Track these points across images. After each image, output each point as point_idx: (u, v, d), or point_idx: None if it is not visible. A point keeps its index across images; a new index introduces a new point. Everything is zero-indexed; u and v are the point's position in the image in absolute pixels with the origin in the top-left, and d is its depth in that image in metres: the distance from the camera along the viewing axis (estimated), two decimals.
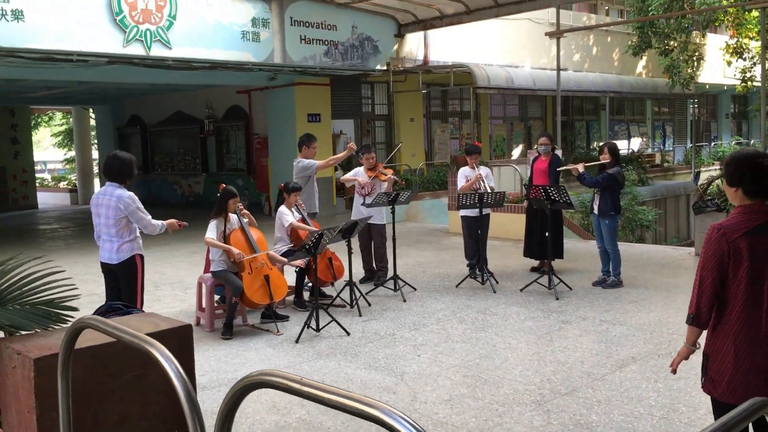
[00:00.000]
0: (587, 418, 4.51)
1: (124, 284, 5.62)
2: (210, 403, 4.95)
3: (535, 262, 9.16)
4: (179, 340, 2.74)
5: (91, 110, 23.34)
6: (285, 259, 7.01)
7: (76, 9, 10.28)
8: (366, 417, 1.48)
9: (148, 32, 11.00)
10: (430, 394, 5.06)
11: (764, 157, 3.05)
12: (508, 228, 11.26)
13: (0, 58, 9.96)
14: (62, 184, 26.58)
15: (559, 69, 12.79)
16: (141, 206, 5.71)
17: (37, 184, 22.83)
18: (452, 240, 12.04)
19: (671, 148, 24.62)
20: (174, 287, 8.94)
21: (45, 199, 23.86)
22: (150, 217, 5.79)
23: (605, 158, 8.07)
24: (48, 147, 37.72)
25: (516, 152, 19.81)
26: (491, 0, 12.62)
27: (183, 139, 18.95)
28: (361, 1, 13.36)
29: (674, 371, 3.27)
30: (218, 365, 5.81)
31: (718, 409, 3.16)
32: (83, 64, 10.97)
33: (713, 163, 22.07)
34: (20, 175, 21.19)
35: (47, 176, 30.81)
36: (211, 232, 6.65)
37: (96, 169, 24.23)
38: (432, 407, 4.82)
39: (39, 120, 30.42)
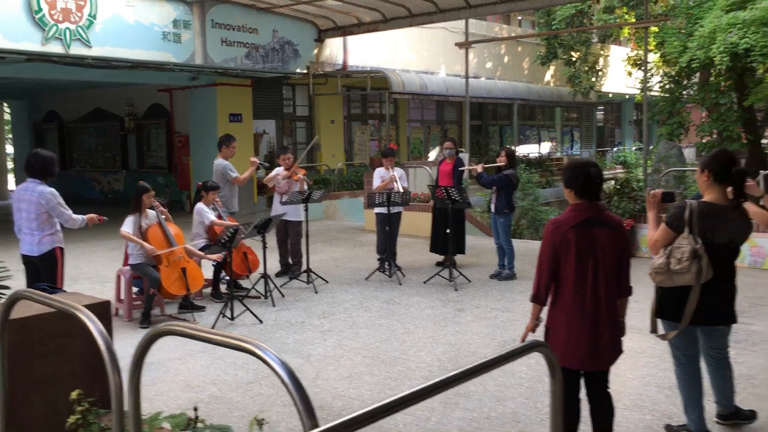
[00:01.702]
0: (466, 389, 5.18)
1: (44, 276, 5.94)
2: (126, 384, 5.37)
3: (441, 257, 9.87)
4: (99, 312, 3.20)
5: (6, 105, 22.82)
6: (202, 253, 7.45)
7: None
8: (242, 350, 2.03)
9: (67, 31, 11.14)
10: (332, 372, 5.64)
11: (593, 166, 3.77)
12: (419, 226, 11.95)
13: None
14: None
15: (467, 77, 13.61)
16: (62, 201, 6.06)
17: None
18: (367, 237, 12.66)
19: (578, 153, 26.06)
20: (92, 281, 9.20)
21: None
22: (71, 212, 6.15)
23: (502, 161, 8.85)
24: None
25: (432, 154, 20.64)
26: (405, 10, 13.31)
27: (102, 136, 18.88)
28: (281, 7, 13.81)
29: (523, 341, 3.95)
30: (133, 351, 6.20)
31: None
32: (0, 61, 11.01)
33: (615, 167, 23.54)
34: None
35: None
36: (127, 226, 7.01)
37: (11, 165, 23.67)
38: (333, 383, 5.40)
39: None
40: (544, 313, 3.85)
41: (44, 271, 5.96)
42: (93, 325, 2.39)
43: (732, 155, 4.17)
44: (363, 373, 5.61)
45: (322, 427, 1.71)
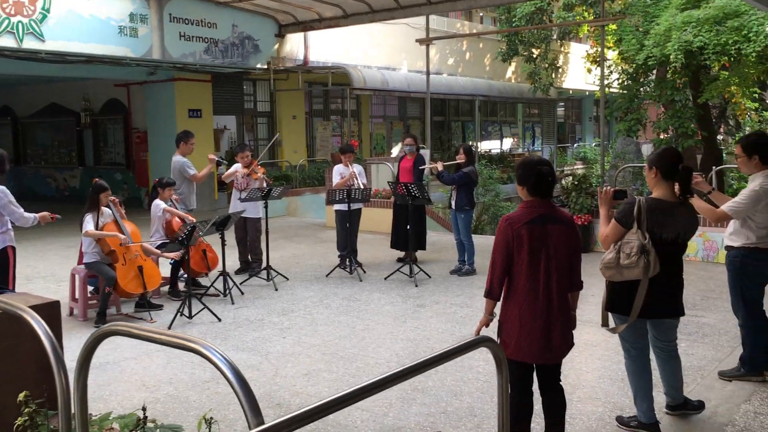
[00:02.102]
0: (424, 384, 5.22)
1: None
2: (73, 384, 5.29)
3: (402, 253, 9.90)
4: (48, 313, 3.15)
5: None
6: (158, 251, 7.36)
7: None
8: (187, 349, 2.02)
9: (20, 24, 10.87)
10: (290, 369, 5.63)
11: (545, 164, 3.83)
12: (380, 222, 11.98)
13: None
14: None
15: (428, 73, 13.66)
16: (13, 199, 5.93)
17: None
18: (328, 233, 12.64)
19: (540, 148, 26.37)
20: (47, 280, 9.02)
21: None
22: (22, 210, 6.02)
23: (461, 158, 8.91)
24: None
25: (395, 150, 20.68)
26: (366, 6, 13.30)
27: (58, 132, 18.49)
28: (241, 1, 13.68)
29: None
30: None
31: (511, 368, 3.92)
32: None
33: (575, 163, 23.89)
34: None
35: None
36: (90, 224, 6.89)
37: None
38: (291, 380, 5.39)
39: None
40: (499, 309, 3.90)
41: None
42: (39, 326, 2.36)
43: (678, 152, 4.28)
44: (321, 370, 5.61)
45: (269, 424, 1.72)
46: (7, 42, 10.82)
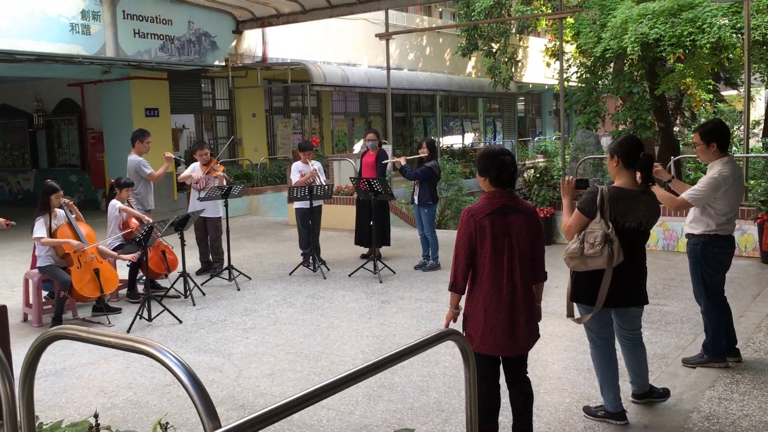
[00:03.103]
0: (391, 381, 5.15)
1: None
2: (36, 392, 5.07)
3: (365, 250, 9.82)
4: None
5: None
6: (115, 253, 7.16)
7: None
8: (138, 352, 1.91)
9: None
10: (254, 370, 5.51)
11: (506, 154, 3.78)
12: (343, 219, 11.88)
13: None
14: None
15: (389, 68, 13.59)
16: None
17: None
18: (291, 232, 12.49)
19: (501, 143, 26.51)
20: (4, 285, 8.72)
21: None
22: None
23: (423, 152, 8.87)
24: None
25: (357, 146, 20.58)
26: (325, 1, 13.16)
27: (9, 134, 17.96)
28: None
29: None
30: (46, 357, 5.88)
31: (478, 361, 3.86)
32: None
33: (536, 156, 24.09)
34: None
35: None
36: (40, 230, 6.66)
37: None
38: (255, 381, 5.27)
39: None
40: (464, 302, 3.85)
41: None
42: None
43: (639, 141, 4.28)
44: (286, 369, 5.51)
45: (231, 425, 1.63)
46: None
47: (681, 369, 5.19)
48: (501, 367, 3.86)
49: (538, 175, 10.85)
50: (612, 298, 4.09)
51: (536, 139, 27.91)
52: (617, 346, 4.38)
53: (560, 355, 5.69)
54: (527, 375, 3.89)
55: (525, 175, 11.83)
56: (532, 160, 24.06)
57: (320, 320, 6.86)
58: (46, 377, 5.43)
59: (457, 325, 3.89)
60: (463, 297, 3.82)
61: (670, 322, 6.39)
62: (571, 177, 4.41)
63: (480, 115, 26.16)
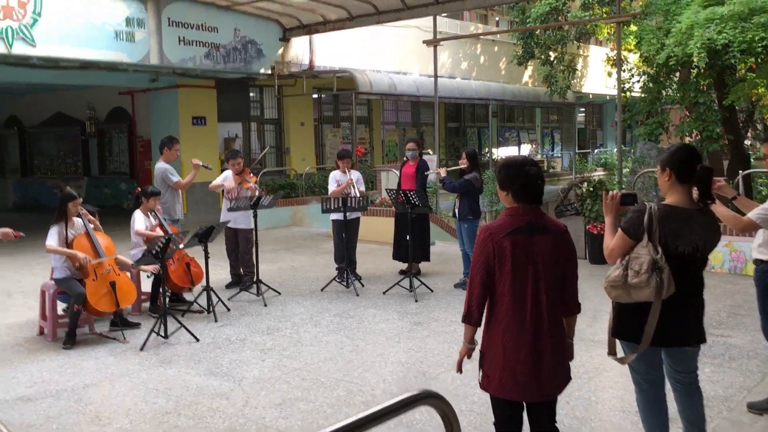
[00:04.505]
0: (410, 417, 4.60)
1: None
2: (30, 415, 4.77)
3: (404, 265, 9.30)
4: None
5: None
6: (129, 261, 6.83)
7: None
8: None
9: (9, 29, 10.49)
10: (263, 398, 5.04)
11: (532, 165, 3.22)
12: (384, 232, 11.38)
13: None
14: None
15: (436, 76, 13.08)
16: None
17: None
18: (331, 244, 12.04)
19: (559, 155, 25.61)
20: (27, 296, 8.53)
21: None
22: None
23: (463, 163, 8.31)
24: None
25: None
26: (372, 7, 12.78)
27: (63, 142, 18.19)
28: (243, 4, 13.22)
29: (459, 371, 3.38)
30: (50, 376, 5.59)
31: (496, 406, 3.30)
32: None
33: (596, 169, 23.11)
34: None
35: None
36: (51, 238, 6.40)
37: None
38: (261, 412, 4.81)
39: None
40: (480, 336, 3.29)
41: None
42: None
43: (695, 151, 3.63)
44: (298, 399, 5.02)
45: None
46: None
47: (746, 416, 4.48)
48: (524, 414, 3.29)
49: (592, 189, 10.13)
50: (661, 335, 3.46)
51: (596, 151, 26.86)
52: (668, 389, 3.74)
53: (605, 393, 5.04)
54: (556, 425, 3.30)
55: (580, 188, 11.10)
56: (590, 172, 23.09)
57: (344, 342, 6.37)
58: (44, 399, 5.09)
59: (472, 362, 3.35)
60: (480, 330, 3.27)
61: (735, 358, 5.64)
62: (615, 191, 3.78)
63: (537, 125, 25.32)
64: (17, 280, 9.44)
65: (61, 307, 6.83)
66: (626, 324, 3.57)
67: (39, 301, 6.91)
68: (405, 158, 9.51)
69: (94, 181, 17.45)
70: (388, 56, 17.29)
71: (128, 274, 7.05)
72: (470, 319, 3.21)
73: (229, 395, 5.10)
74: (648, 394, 3.67)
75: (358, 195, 8.56)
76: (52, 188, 18.51)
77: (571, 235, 3.31)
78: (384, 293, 8.21)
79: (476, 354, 3.31)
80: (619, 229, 3.56)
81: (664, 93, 15.53)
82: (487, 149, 21.84)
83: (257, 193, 8.39)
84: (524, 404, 3.26)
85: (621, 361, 3.64)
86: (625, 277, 3.44)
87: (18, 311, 7.81)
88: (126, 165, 16.63)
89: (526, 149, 24.22)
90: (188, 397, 5.06)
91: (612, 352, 3.69)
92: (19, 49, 10.67)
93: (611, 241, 3.61)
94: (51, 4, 10.95)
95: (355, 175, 8.93)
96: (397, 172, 12.56)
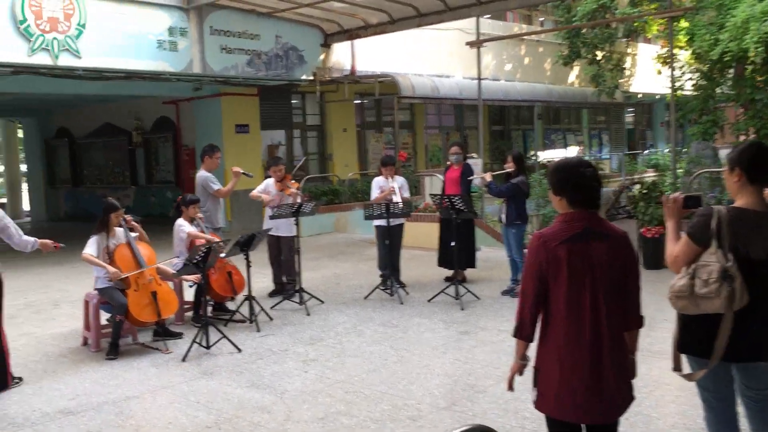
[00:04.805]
0: None
1: None
2: (70, 429, 4.69)
3: (450, 272, 9.07)
4: None
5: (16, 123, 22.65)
6: (171, 271, 6.76)
7: None
8: None
9: (55, 41, 10.62)
10: (305, 412, 4.88)
11: (587, 166, 2.98)
12: (429, 237, 11.14)
13: None
14: None
15: (480, 78, 12.82)
16: (10, 222, 5.45)
17: None
18: (375, 251, 11.86)
19: (608, 156, 24.98)
20: (74, 305, 8.54)
21: None
22: (22, 233, 5.53)
23: (509, 167, 8.05)
24: None
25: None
26: (413, 10, 12.60)
27: (111, 152, 18.46)
28: (284, 11, 13.18)
29: (510, 389, 3.15)
30: (93, 388, 5.53)
31: (552, 427, 3.06)
32: None
33: (646, 171, 22.44)
34: None
35: None
36: (90, 248, 6.37)
37: (25, 183, 23.41)
38: (304, 426, 4.65)
39: None
40: (534, 352, 3.05)
41: None
42: None
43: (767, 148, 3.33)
44: (341, 413, 4.84)
45: None
46: (43, 59, 10.58)
47: None
48: None
49: (645, 191, 9.73)
50: (732, 349, 3.16)
51: (646, 152, 26.13)
52: (740, 408, 3.43)
53: (666, 408, 4.73)
54: None
55: (633, 190, 10.70)
56: (641, 174, 22.43)
57: (389, 353, 6.17)
58: (85, 412, 5.02)
59: (525, 380, 3.11)
60: (533, 344, 3.03)
61: None
62: (677, 194, 3.49)
63: (584, 127, 24.75)
64: (65, 289, 9.52)
65: (104, 317, 6.79)
66: (693, 337, 3.29)
67: (83, 311, 6.89)
68: (449, 163, 9.28)
69: (142, 191, 17.64)
70: (431, 59, 17.08)
71: (170, 283, 6.99)
72: (522, 333, 2.98)
73: (270, 409, 4.95)
74: (718, 413, 3.38)
75: (401, 201, 8.36)
76: (100, 198, 18.80)
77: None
78: (429, 301, 7.99)
79: (529, 370, 3.07)
80: (684, 235, 3.28)
81: (717, 90, 14.94)
82: (532, 152, 21.42)
83: (299, 200, 8.26)
84: (581, 427, 3.01)
85: (688, 377, 3.36)
86: (691, 287, 3.16)
87: (64, 321, 7.84)
88: (172, 174, 16.76)
89: (573, 151, 23.69)
90: (229, 411, 4.93)
91: (677, 368, 3.41)
92: (65, 60, 10.79)
93: (675, 247, 3.33)
94: (95, 15, 11.06)
95: (399, 181, 8.74)
96: (441, 177, 12.34)
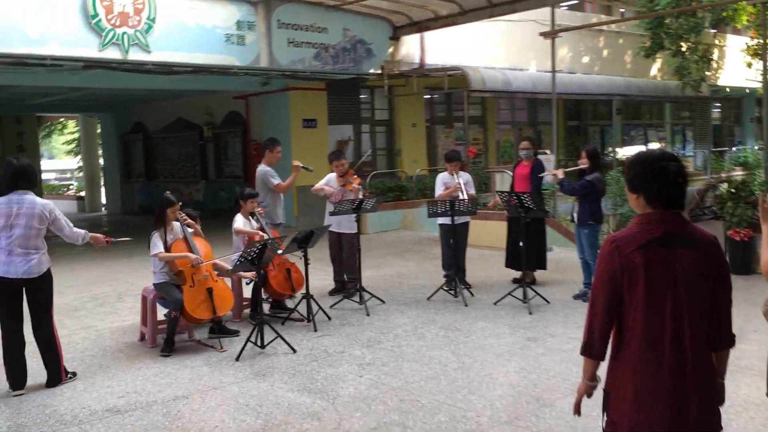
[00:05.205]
0: None
1: (41, 297, 5.26)
2: (116, 430, 4.56)
3: (518, 273, 8.63)
4: None
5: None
6: (227, 266, 6.60)
7: (49, 12, 10.06)
8: None
9: (125, 36, 10.73)
10: (357, 421, 4.60)
11: (671, 159, 2.56)
12: (496, 236, 10.71)
13: None
14: (71, 192, 26.62)
15: (554, 70, 12.24)
16: (61, 214, 5.38)
17: (45, 192, 22.84)
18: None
19: (692, 153, 23.76)
20: (137, 299, 8.50)
21: None
22: (73, 226, 5.47)
23: (583, 163, 7.55)
24: (59, 155, 38.19)
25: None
26: (485, 0, 12.14)
27: (183, 146, 18.74)
28: (352, 3, 12.96)
29: (577, 413, 2.77)
30: (144, 386, 5.41)
31: None
32: (58, 69, 10.73)
33: (734, 169, 21.20)
34: None
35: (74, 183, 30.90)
36: (157, 246, 6.29)
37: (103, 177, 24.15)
38: None
39: (52, 128, 30.63)
40: (604, 372, 2.66)
41: (41, 293, 5.26)
42: None
43: None
44: (394, 423, 4.54)
45: None
46: (113, 54, 10.70)
47: None
48: None
49: (733, 190, 9.02)
50: None
51: (734, 149, 24.73)
52: None
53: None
54: None
55: (719, 189, 9.97)
56: (727, 172, 21.19)
57: (449, 359, 5.82)
58: (133, 411, 4.89)
59: (594, 403, 2.73)
60: (604, 364, 2.65)
61: None
62: None
63: (667, 122, 23.61)
64: (130, 282, 9.57)
65: (162, 312, 6.71)
66: None
67: (140, 306, 6.83)
68: (518, 158, 8.84)
69: (211, 185, 17.82)
70: (503, 52, 16.55)
71: (228, 280, 6.85)
72: (591, 351, 2.59)
73: (321, 415, 4.70)
74: None
75: (466, 198, 7.99)
76: (172, 192, 19.10)
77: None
78: (495, 304, 7.60)
79: (599, 392, 2.68)
80: None
81: None
82: (610, 148, 20.55)
83: (360, 196, 8.00)
84: None
85: None
86: None
87: (125, 315, 7.83)
88: (240, 168, 16.84)
89: (654, 148, 22.64)
90: (278, 416, 4.70)
91: None
92: (135, 55, 10.89)
93: None
94: (164, 10, 11.12)
95: (464, 177, 8.37)
96: (511, 173, 11.87)
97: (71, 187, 27.97)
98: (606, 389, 2.63)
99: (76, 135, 28.64)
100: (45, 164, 38.06)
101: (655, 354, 2.49)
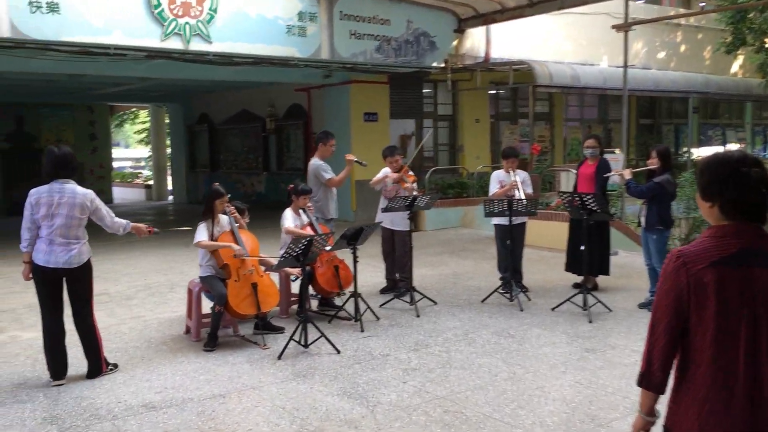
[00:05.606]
0: None
1: (80, 288, 5.20)
2: (147, 428, 4.42)
3: (579, 278, 8.19)
4: None
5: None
6: (273, 261, 6.43)
7: (113, 2, 10.13)
8: None
9: (187, 26, 10.74)
10: None
11: (752, 164, 2.19)
12: (557, 237, 10.26)
13: (35, 51, 9.93)
14: (140, 180, 27.24)
15: (626, 65, 11.64)
16: (101, 203, 5.31)
17: (115, 180, 23.43)
18: None
19: None
20: (180, 290, 8.53)
21: (123, 195, 24.57)
22: (114, 215, 5.39)
23: (653, 163, 7.06)
24: (132, 144, 39.28)
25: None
26: None
27: (246, 138, 18.83)
28: None
29: None
30: (182, 381, 5.28)
31: None
32: (122, 59, 10.82)
33: None
34: (97, 171, 21.74)
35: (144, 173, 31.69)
36: (201, 234, 6.18)
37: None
38: None
39: (125, 118, 31.46)
40: (665, 406, 2.31)
41: (80, 283, 5.20)
42: None
43: None
44: None
45: None
46: (175, 44, 10.73)
47: None
48: None
49: None
50: None
51: None
52: None
53: None
54: None
55: None
56: None
57: (500, 367, 5.49)
58: (168, 408, 4.76)
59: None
60: (664, 397, 2.30)
61: None
62: None
63: (747, 122, 22.39)
64: (185, 272, 9.54)
65: (208, 305, 6.60)
66: None
67: (186, 298, 6.75)
68: (583, 157, 8.38)
69: (272, 177, 17.84)
70: (573, 45, 15.94)
71: (274, 276, 6.69)
72: (650, 381, 2.25)
73: (358, 423, 4.46)
74: None
75: (523, 198, 7.60)
76: (235, 183, 19.26)
77: None
78: (552, 310, 7.20)
79: (658, 428, 2.34)
80: None
81: None
82: (685, 149, 19.60)
83: (414, 193, 7.72)
84: None
85: None
86: None
87: (175, 306, 7.78)
88: (302, 161, 16.76)
89: (733, 150, 21.50)
90: (314, 422, 4.48)
91: None
92: (196, 45, 10.89)
93: None
94: (226, 0, 11.06)
95: (521, 175, 7.98)
96: (575, 172, 11.35)
97: (140, 175, 28.62)
98: (666, 426, 2.29)
99: (147, 125, 29.33)
100: (120, 152, 39.26)
101: (727, 387, 2.13)
